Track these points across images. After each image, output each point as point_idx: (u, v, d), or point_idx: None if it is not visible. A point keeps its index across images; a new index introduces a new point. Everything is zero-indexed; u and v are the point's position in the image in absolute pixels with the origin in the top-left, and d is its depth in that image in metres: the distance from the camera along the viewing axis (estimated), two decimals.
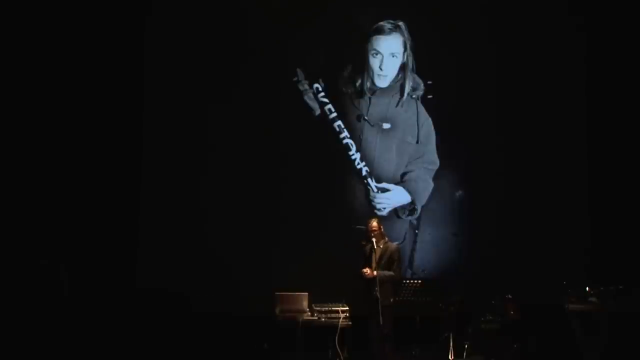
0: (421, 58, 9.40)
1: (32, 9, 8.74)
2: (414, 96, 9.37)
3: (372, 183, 9.28)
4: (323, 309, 7.24)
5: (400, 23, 9.37)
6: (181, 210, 9.15)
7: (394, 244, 7.66)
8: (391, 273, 7.33)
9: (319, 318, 7.22)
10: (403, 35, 9.38)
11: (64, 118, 8.85)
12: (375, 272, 7.18)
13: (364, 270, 7.24)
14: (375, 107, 9.38)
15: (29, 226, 8.51)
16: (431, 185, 9.34)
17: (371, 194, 9.27)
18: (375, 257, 7.34)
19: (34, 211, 8.60)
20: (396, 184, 9.31)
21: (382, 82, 9.40)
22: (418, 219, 9.30)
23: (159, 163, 9.23)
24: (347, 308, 7.22)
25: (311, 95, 9.35)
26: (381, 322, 6.95)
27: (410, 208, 9.28)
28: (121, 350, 7.85)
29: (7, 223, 8.40)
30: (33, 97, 8.74)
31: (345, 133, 9.31)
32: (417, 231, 9.28)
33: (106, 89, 8.99)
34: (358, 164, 9.29)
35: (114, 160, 8.99)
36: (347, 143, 9.29)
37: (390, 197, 9.27)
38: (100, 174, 8.91)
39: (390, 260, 7.38)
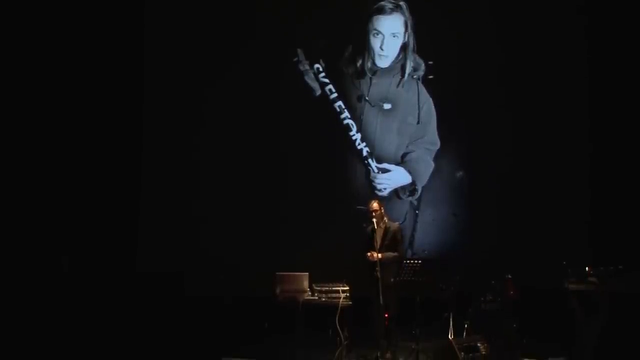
0: (422, 38, 9.35)
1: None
2: (414, 76, 9.34)
3: (373, 163, 9.26)
4: (323, 288, 7.23)
5: (402, 2, 9.32)
6: (181, 192, 9.20)
7: (396, 224, 7.64)
8: (395, 254, 7.34)
9: (320, 298, 7.20)
10: (404, 15, 9.33)
11: (66, 107, 8.87)
12: (379, 255, 7.19)
13: (369, 253, 7.25)
14: (376, 88, 9.34)
15: (33, 213, 8.54)
16: (432, 165, 9.32)
17: (372, 174, 9.27)
18: (377, 238, 7.35)
19: (37, 199, 8.63)
20: (397, 164, 9.31)
21: (383, 62, 9.36)
22: (419, 199, 9.30)
23: (159, 145, 9.27)
24: (348, 288, 7.21)
25: (312, 75, 9.33)
26: (381, 302, 6.98)
27: (410, 188, 9.28)
28: (123, 331, 7.89)
29: (11, 208, 8.43)
30: (35, 86, 8.76)
31: (346, 113, 9.28)
32: (417, 211, 9.29)
33: (106, 74, 9.03)
34: (359, 144, 9.28)
35: (115, 145, 9.04)
36: (347, 123, 9.27)
37: (391, 178, 9.27)
38: (101, 159, 8.96)
39: (393, 240, 7.39)
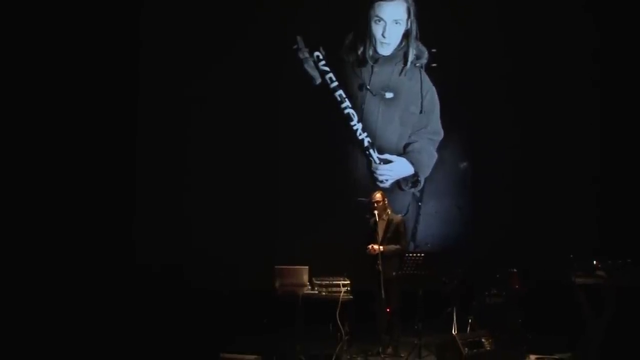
0: (425, 25, 9.24)
1: None
2: (417, 64, 9.23)
3: (374, 154, 9.15)
4: (324, 282, 7.13)
5: None
6: (179, 184, 9.12)
7: (399, 216, 7.56)
8: (397, 247, 7.24)
9: (320, 292, 7.11)
10: (406, 2, 9.25)
11: (62, 103, 8.74)
12: (381, 248, 7.09)
13: (370, 246, 7.16)
14: (377, 76, 9.22)
15: (29, 208, 8.42)
16: (435, 156, 9.21)
17: (373, 165, 9.17)
18: (379, 231, 7.25)
19: (34, 195, 8.51)
20: (399, 155, 9.21)
21: (385, 50, 9.25)
22: (421, 191, 9.20)
23: (155, 134, 9.17)
24: (348, 282, 7.11)
25: (312, 63, 9.22)
26: (383, 296, 6.88)
27: (413, 180, 9.18)
28: (120, 325, 7.82)
29: (8, 204, 8.33)
30: (31, 82, 8.62)
31: (347, 103, 9.17)
32: (420, 203, 9.19)
33: (100, 60, 8.87)
34: (360, 134, 9.17)
35: (111, 137, 8.91)
36: (348, 113, 9.16)
37: (393, 169, 9.16)
38: (96, 151, 8.85)
39: (396, 233, 7.29)
